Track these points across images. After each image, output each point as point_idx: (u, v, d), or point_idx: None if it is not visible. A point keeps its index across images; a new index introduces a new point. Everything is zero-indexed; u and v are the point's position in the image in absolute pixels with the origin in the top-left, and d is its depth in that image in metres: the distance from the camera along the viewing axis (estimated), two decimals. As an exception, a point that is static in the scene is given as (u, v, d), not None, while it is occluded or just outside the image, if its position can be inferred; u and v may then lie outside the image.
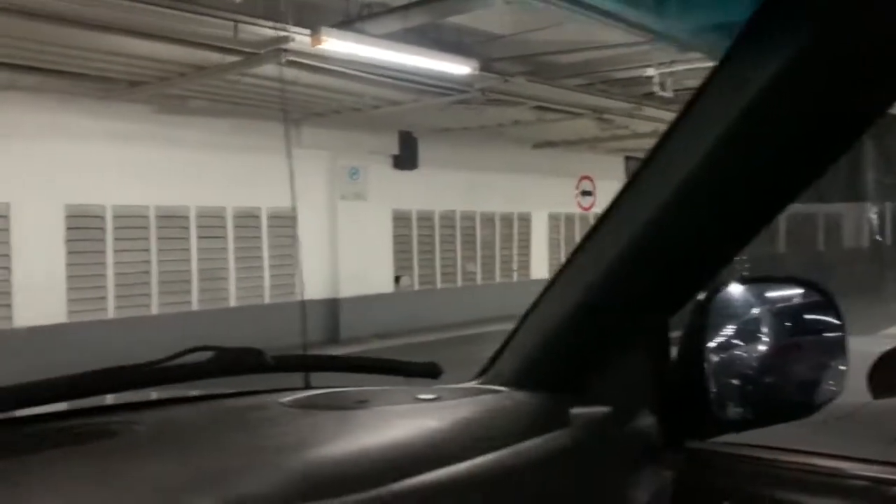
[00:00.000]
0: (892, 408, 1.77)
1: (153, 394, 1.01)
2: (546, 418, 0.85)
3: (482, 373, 1.05)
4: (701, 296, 0.96)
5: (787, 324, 1.05)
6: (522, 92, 8.36)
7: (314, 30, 5.77)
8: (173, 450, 0.74)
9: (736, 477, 0.91)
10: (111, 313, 8.48)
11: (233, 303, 9.51)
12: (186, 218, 9.07)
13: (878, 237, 15.79)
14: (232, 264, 9.51)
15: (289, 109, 8.82)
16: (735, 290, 1.00)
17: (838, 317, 1.04)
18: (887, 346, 1.84)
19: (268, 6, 5.93)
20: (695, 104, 0.81)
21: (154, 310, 8.82)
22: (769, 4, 0.73)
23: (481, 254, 12.80)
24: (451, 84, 7.74)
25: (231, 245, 9.48)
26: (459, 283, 12.44)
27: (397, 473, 0.65)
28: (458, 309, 11.78)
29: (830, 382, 1.03)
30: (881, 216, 15.63)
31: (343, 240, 10.49)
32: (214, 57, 6.57)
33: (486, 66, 7.29)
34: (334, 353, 8.78)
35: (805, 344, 1.05)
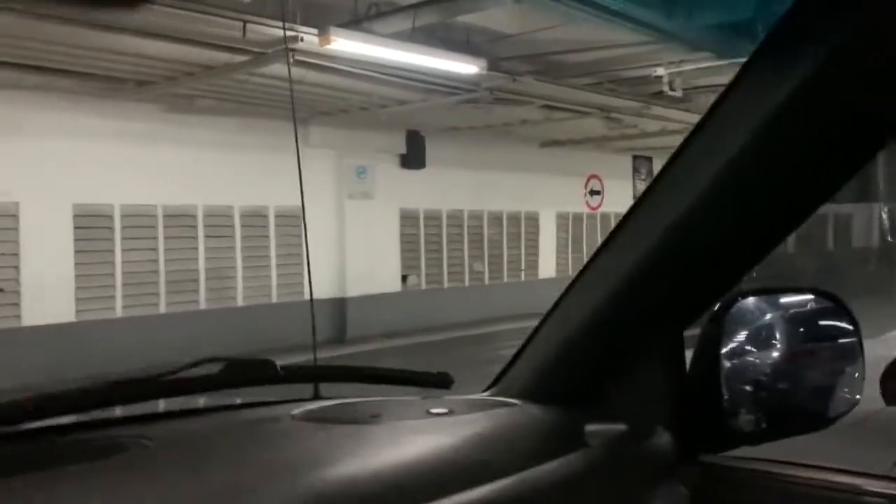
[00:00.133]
0: None
1: (162, 404, 1.00)
2: (562, 437, 0.83)
3: (494, 383, 1.03)
4: (715, 307, 0.95)
5: (802, 335, 1.04)
6: (530, 91, 8.35)
7: (322, 29, 5.77)
8: (186, 467, 0.73)
9: (750, 492, 0.90)
10: (119, 312, 8.51)
11: (240, 302, 9.53)
12: (194, 217, 9.08)
13: (889, 238, 15.70)
14: (239, 263, 9.53)
15: (297, 108, 8.82)
16: (750, 300, 0.99)
17: (854, 327, 1.03)
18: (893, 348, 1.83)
19: (276, 6, 5.93)
20: (715, 113, 0.79)
21: (162, 309, 8.84)
22: (794, 11, 0.72)
23: (489, 253, 12.79)
24: (459, 83, 7.73)
25: (238, 244, 9.50)
26: (467, 282, 12.44)
27: (411, 499, 0.64)
28: (466, 308, 11.78)
29: (846, 393, 1.02)
30: (891, 216, 15.55)
31: (350, 239, 10.50)
32: (223, 56, 6.58)
33: (493, 65, 7.28)
34: (341, 352, 8.80)
35: (821, 355, 1.04)
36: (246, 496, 0.64)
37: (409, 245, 11.58)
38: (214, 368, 0.91)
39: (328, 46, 5.85)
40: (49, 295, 7.90)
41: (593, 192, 14.29)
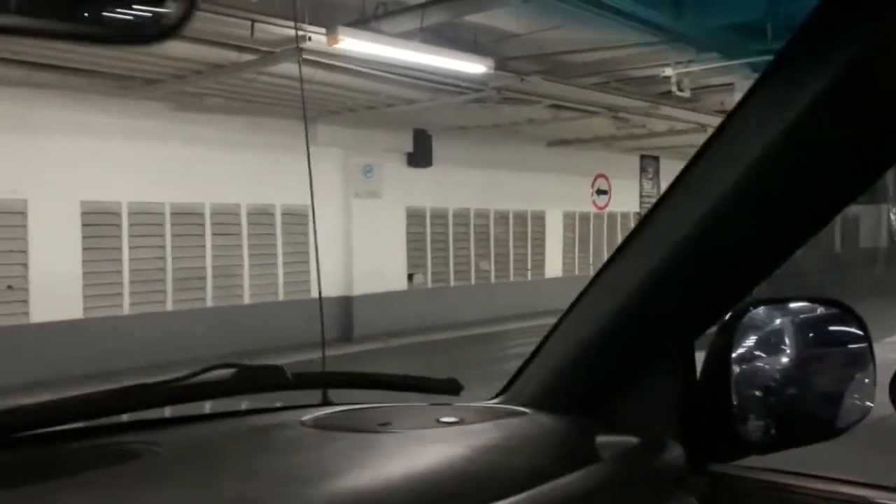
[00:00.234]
0: None
1: (173, 409, 1.00)
2: (574, 449, 0.83)
3: (503, 390, 1.04)
4: (726, 317, 0.94)
5: (813, 345, 1.03)
6: (538, 91, 8.34)
7: (330, 29, 5.78)
8: (197, 476, 0.74)
9: (758, 502, 0.90)
10: (126, 309, 8.54)
11: (247, 300, 9.55)
12: (201, 215, 9.11)
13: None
14: (246, 261, 9.55)
15: (305, 107, 8.83)
16: (761, 310, 0.99)
17: (865, 336, 1.03)
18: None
19: (284, 5, 5.94)
20: (731, 122, 0.79)
21: (169, 306, 8.87)
22: (814, 17, 0.71)
23: (495, 252, 12.78)
24: (467, 82, 7.73)
25: (245, 242, 9.52)
26: (473, 281, 12.43)
27: None
28: (472, 307, 11.78)
29: (858, 402, 1.02)
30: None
31: (357, 237, 10.51)
32: (231, 55, 6.60)
33: (501, 64, 7.28)
34: (348, 350, 8.81)
35: (832, 365, 1.04)
36: None
37: (415, 244, 11.59)
38: (225, 374, 0.92)
39: (336, 46, 5.85)
40: (57, 292, 7.94)
41: (600, 192, 14.26)
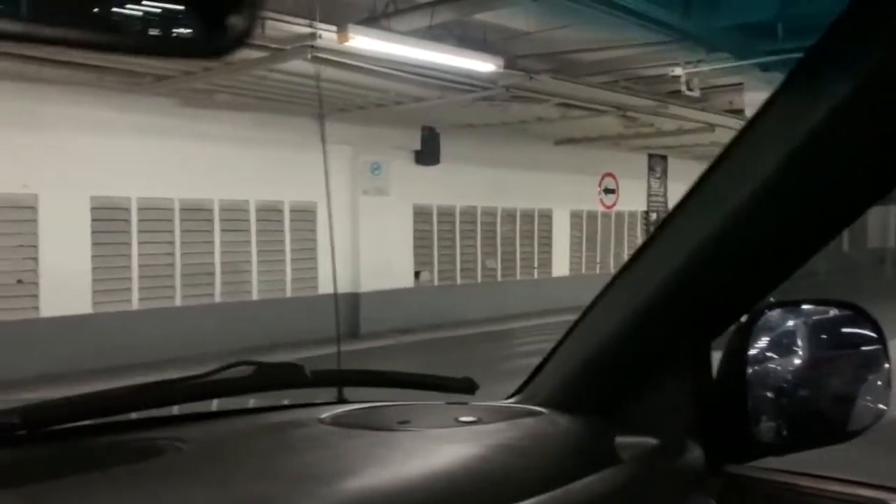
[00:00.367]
0: None
1: (194, 405, 1.01)
2: (594, 450, 0.84)
3: (519, 390, 1.04)
4: (742, 319, 0.95)
5: (829, 348, 1.04)
6: (547, 89, 8.33)
7: (341, 26, 5.78)
8: (221, 472, 0.75)
9: (774, 503, 0.91)
10: (135, 305, 8.58)
11: (255, 296, 9.58)
12: (210, 211, 9.14)
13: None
14: (254, 257, 9.57)
15: (313, 104, 8.84)
16: (777, 313, 0.99)
17: (881, 338, 1.03)
18: None
19: (296, 3, 5.95)
20: (752, 127, 0.79)
21: (177, 302, 8.90)
22: (840, 22, 0.72)
23: (502, 250, 12.78)
24: (476, 81, 7.73)
25: (254, 238, 9.55)
26: (479, 279, 12.44)
27: None
28: (478, 305, 11.78)
29: (874, 405, 1.02)
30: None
31: (364, 234, 10.53)
32: (241, 52, 6.61)
33: (510, 63, 7.27)
34: (355, 347, 8.82)
35: (848, 368, 1.04)
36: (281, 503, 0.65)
37: (422, 241, 11.60)
38: (245, 372, 0.93)
39: (347, 43, 5.86)
40: (66, 287, 7.97)
41: (608, 191, 14.24)
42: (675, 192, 14.36)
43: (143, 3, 0.47)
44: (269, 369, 0.92)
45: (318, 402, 1.04)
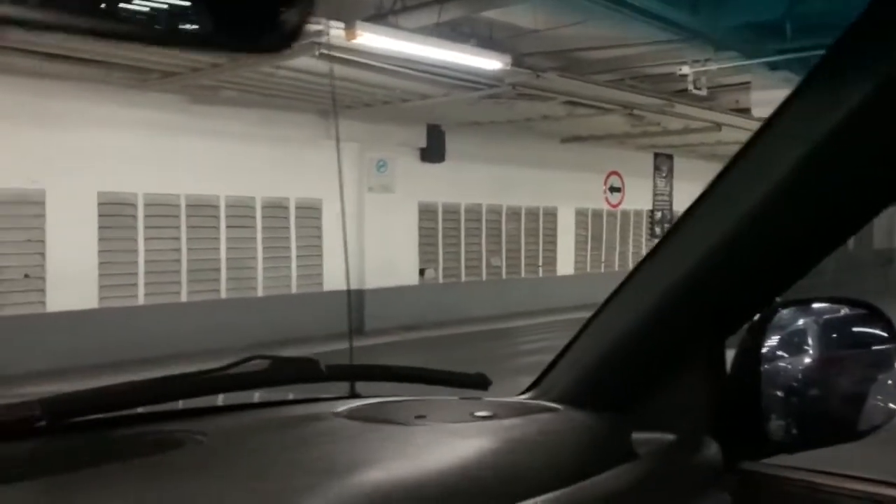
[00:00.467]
0: None
1: (209, 399, 1.02)
2: (611, 446, 0.84)
3: (533, 386, 1.05)
4: (756, 317, 0.95)
5: (843, 346, 1.04)
6: (553, 87, 8.32)
7: (348, 23, 5.79)
8: (243, 464, 0.75)
9: (789, 501, 0.91)
10: (141, 300, 8.60)
11: (260, 292, 9.61)
12: (216, 207, 9.16)
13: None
14: (260, 254, 9.60)
15: (319, 101, 8.85)
16: (790, 311, 1.00)
17: (895, 338, 1.03)
18: None
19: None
20: (769, 126, 0.80)
21: (183, 297, 8.92)
22: (863, 19, 0.72)
23: (506, 248, 12.79)
24: (482, 78, 7.72)
25: (259, 235, 9.57)
26: (484, 276, 12.44)
27: None
28: (482, 303, 11.79)
29: (883, 405, 1.02)
30: (915, 218, 15.37)
31: (369, 232, 10.54)
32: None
33: (517, 60, 7.27)
34: (360, 343, 8.84)
35: (861, 366, 1.04)
36: (305, 495, 0.65)
37: (427, 238, 11.61)
38: (261, 365, 0.94)
39: (354, 40, 5.86)
40: (73, 281, 8.00)
41: (613, 189, 14.22)
42: (681, 191, 14.37)
43: None
44: (285, 363, 0.93)
45: (327, 396, 1.04)
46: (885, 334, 1.03)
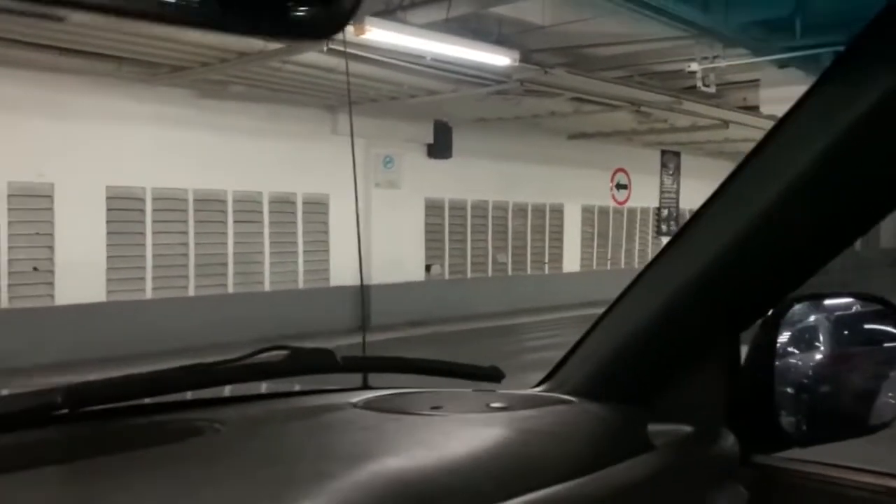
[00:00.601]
0: None
1: (226, 389, 1.03)
2: (628, 437, 0.85)
3: (546, 379, 1.05)
4: (769, 312, 0.96)
5: (856, 340, 1.04)
6: (561, 83, 8.31)
7: (357, 19, 5.79)
8: (264, 453, 0.76)
9: (803, 494, 0.92)
10: (149, 294, 8.64)
11: (267, 287, 9.63)
12: (224, 202, 9.18)
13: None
14: (267, 249, 9.62)
15: (326, 96, 8.86)
16: (804, 306, 1.00)
17: None
18: None
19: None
20: (786, 122, 0.80)
21: (190, 292, 8.96)
22: (879, 19, 0.72)
23: (512, 245, 12.78)
24: (490, 74, 7.72)
25: (266, 230, 9.59)
26: (490, 273, 12.44)
27: (490, 497, 0.65)
28: (488, 299, 11.79)
29: (892, 402, 1.02)
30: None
31: (375, 228, 10.55)
32: (257, 43, 6.63)
33: (525, 56, 7.26)
34: (367, 339, 8.84)
35: (876, 361, 1.05)
36: (327, 483, 0.66)
37: (433, 235, 11.61)
38: (278, 356, 0.94)
39: (363, 36, 5.86)
40: (81, 275, 8.04)
41: (620, 186, 14.20)
42: (688, 188, 14.32)
43: None
44: (302, 354, 0.94)
45: (341, 388, 1.05)
46: None
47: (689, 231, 0.91)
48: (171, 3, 0.45)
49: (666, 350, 0.93)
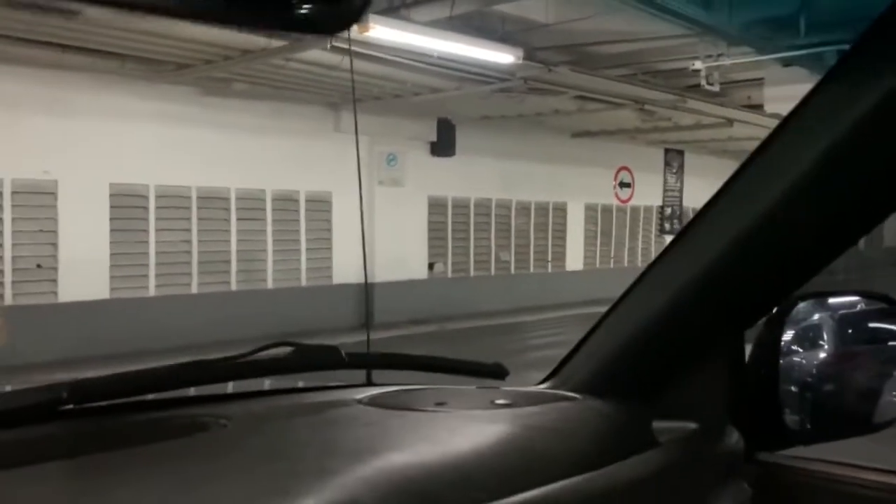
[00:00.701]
0: None
1: (231, 385, 1.03)
2: (632, 433, 0.85)
3: (551, 376, 1.05)
4: (774, 310, 0.96)
5: (861, 339, 1.04)
6: (565, 81, 8.30)
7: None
8: (270, 449, 0.76)
9: (807, 491, 0.92)
10: (152, 291, 8.65)
11: (270, 285, 9.64)
12: (227, 200, 9.19)
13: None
14: (270, 246, 9.63)
15: (329, 94, 8.86)
16: (809, 303, 1.00)
17: None
18: None
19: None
20: (791, 120, 0.80)
21: (194, 289, 8.97)
22: (884, 18, 0.72)
23: (515, 243, 12.78)
24: (494, 72, 7.72)
25: (269, 227, 9.60)
26: (493, 271, 12.45)
27: (494, 493, 0.66)
28: (491, 297, 11.80)
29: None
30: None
31: (379, 225, 10.55)
32: (260, 41, 6.63)
33: (529, 54, 7.26)
34: (371, 337, 8.83)
35: (881, 359, 1.05)
36: (331, 478, 0.66)
37: (436, 233, 11.62)
38: (283, 352, 0.94)
39: (366, 34, 5.86)
40: (84, 272, 8.05)
41: (623, 185, 14.18)
42: (692, 187, 14.31)
43: None
44: (307, 350, 0.94)
45: (345, 384, 1.05)
46: None
47: (693, 229, 0.91)
48: None
49: (670, 347, 0.93)
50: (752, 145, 0.87)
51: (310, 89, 8.50)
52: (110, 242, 8.32)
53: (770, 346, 0.94)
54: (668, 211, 14.73)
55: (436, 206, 11.56)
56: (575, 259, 13.77)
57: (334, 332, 7.80)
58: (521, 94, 8.83)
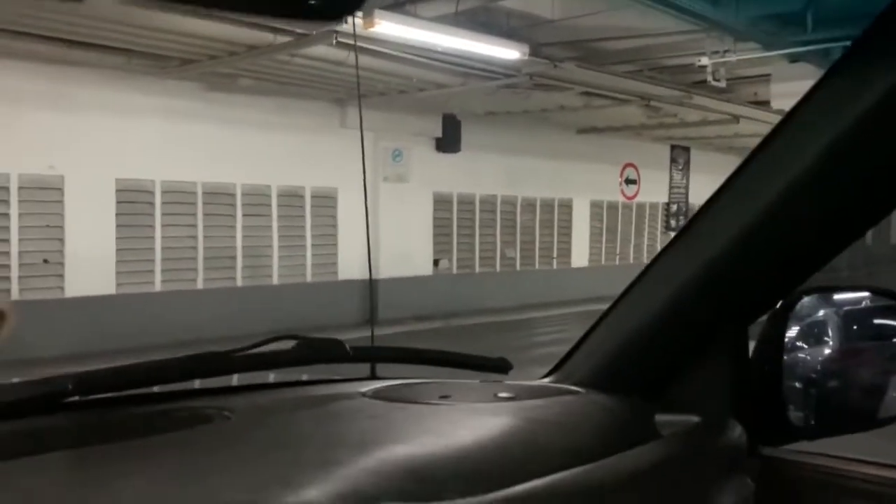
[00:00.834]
0: None
1: (236, 377, 1.03)
2: (634, 426, 0.85)
3: (554, 370, 1.05)
4: (778, 305, 0.96)
5: (865, 333, 1.04)
6: (571, 77, 8.29)
7: (367, 12, 5.79)
8: (274, 441, 0.76)
9: (811, 485, 0.92)
10: (158, 286, 8.67)
11: (275, 280, 9.66)
12: (233, 195, 9.21)
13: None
14: (275, 242, 9.64)
15: (335, 89, 8.86)
16: (813, 298, 1.00)
17: None
18: None
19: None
20: (795, 114, 0.80)
21: (199, 285, 8.99)
22: (888, 13, 0.72)
23: (521, 239, 12.77)
24: (500, 68, 7.71)
25: (275, 223, 9.61)
26: (498, 268, 12.44)
27: (497, 483, 0.66)
28: (496, 294, 11.79)
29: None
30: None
31: (384, 221, 10.56)
32: (266, 37, 6.63)
33: (534, 50, 7.25)
34: (375, 333, 8.85)
35: (881, 358, 1.04)
36: (334, 469, 0.66)
37: (441, 229, 11.61)
38: (287, 345, 0.95)
39: (372, 29, 5.86)
40: (91, 267, 8.08)
41: (629, 181, 14.15)
42: (698, 183, 14.28)
43: None
44: (312, 344, 0.94)
45: (349, 378, 1.05)
46: None
47: (696, 224, 0.91)
48: None
49: (673, 342, 0.94)
50: (758, 142, 0.87)
51: (315, 85, 8.50)
52: (116, 238, 8.34)
53: (774, 342, 0.94)
54: (674, 208, 14.70)
55: (441, 203, 11.55)
56: (580, 256, 13.76)
57: (339, 328, 7.80)
58: (526, 90, 8.82)
